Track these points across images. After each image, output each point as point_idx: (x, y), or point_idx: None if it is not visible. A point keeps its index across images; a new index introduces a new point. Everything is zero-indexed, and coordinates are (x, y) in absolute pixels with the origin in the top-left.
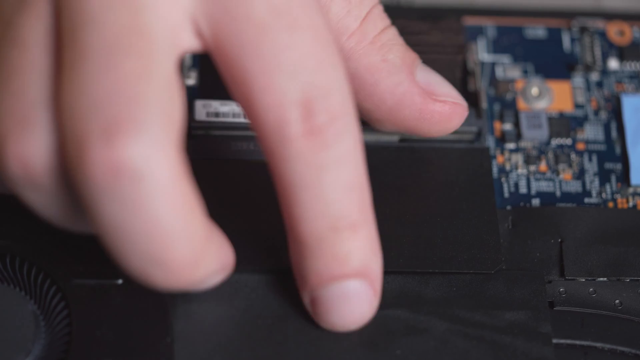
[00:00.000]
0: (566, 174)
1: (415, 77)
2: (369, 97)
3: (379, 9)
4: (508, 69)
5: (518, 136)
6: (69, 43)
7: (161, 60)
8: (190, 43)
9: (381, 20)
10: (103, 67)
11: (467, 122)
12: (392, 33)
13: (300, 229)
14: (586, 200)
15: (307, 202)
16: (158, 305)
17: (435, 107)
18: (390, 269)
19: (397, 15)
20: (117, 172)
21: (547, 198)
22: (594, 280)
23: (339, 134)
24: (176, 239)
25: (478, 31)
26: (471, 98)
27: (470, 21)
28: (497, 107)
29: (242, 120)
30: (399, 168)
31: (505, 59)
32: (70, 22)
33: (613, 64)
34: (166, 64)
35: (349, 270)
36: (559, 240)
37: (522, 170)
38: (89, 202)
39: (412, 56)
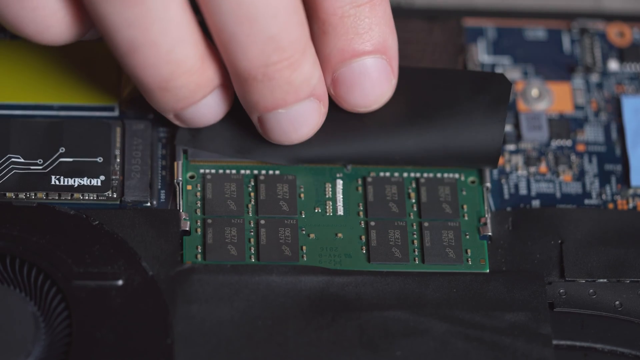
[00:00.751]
0: (566, 176)
1: None
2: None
3: None
4: (508, 70)
5: (518, 137)
6: None
7: None
8: None
9: None
10: None
11: None
12: None
13: (324, 6)
14: (586, 201)
15: None
16: (158, 307)
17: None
18: (393, 161)
19: (398, 15)
20: None
21: (547, 199)
22: (594, 281)
23: None
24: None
25: (478, 32)
26: None
27: (470, 22)
28: None
29: None
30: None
31: (505, 60)
32: None
33: (613, 65)
34: None
35: (369, 46)
36: (559, 241)
37: (522, 172)
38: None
39: None
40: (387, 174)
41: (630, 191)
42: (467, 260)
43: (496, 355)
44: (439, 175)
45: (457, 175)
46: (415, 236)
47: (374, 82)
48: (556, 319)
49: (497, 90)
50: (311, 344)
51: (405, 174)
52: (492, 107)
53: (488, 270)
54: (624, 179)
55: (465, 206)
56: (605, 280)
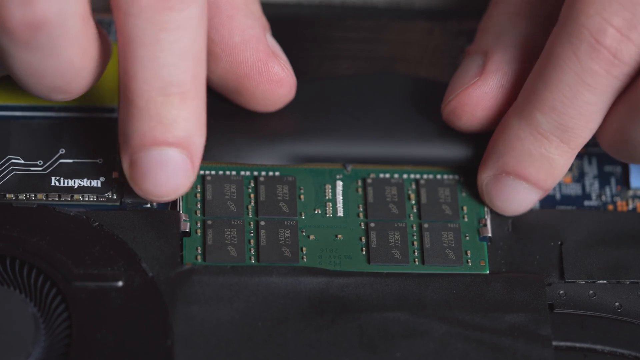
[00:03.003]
0: (566, 177)
1: (265, 36)
2: (220, 26)
3: None
4: None
5: None
6: None
7: None
8: None
9: None
10: None
11: None
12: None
13: (132, 86)
14: (586, 203)
15: (143, 59)
16: (158, 308)
17: (274, 65)
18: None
19: (397, 17)
20: (34, 27)
21: (547, 201)
22: (594, 282)
23: (185, 0)
24: (81, 74)
25: None
26: None
27: (470, 24)
28: None
29: None
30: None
31: None
32: None
33: None
34: None
35: (171, 137)
36: (559, 243)
37: None
38: (6, 50)
39: (266, 22)
40: (387, 175)
41: (630, 192)
42: (467, 262)
43: (496, 357)
44: (438, 176)
45: (457, 177)
46: (415, 237)
47: (169, 174)
48: (556, 320)
49: None
50: (311, 345)
51: (405, 175)
52: None
53: (488, 272)
54: (624, 180)
55: (465, 207)
56: (605, 281)
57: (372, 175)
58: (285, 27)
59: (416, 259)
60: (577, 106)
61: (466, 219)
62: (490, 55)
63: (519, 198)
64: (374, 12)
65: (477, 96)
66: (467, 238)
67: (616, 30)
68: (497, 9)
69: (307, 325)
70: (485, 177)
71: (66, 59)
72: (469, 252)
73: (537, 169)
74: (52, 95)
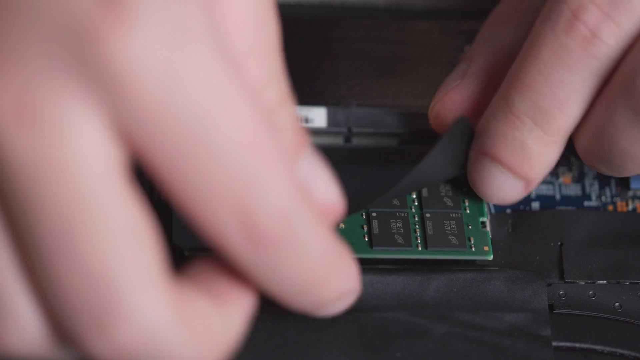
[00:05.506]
0: (566, 178)
1: (297, 166)
2: None
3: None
4: None
5: None
6: (23, 234)
7: (113, 210)
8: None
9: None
10: (64, 254)
11: None
12: (290, 110)
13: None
14: (586, 203)
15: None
16: None
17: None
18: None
19: (397, 17)
20: (126, 354)
21: (546, 201)
22: (594, 283)
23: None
24: None
25: (477, 34)
26: None
27: (470, 24)
28: None
29: None
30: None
31: None
32: (14, 210)
33: None
34: (119, 209)
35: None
36: (559, 243)
37: None
38: None
39: (299, 141)
40: None
41: (630, 193)
42: (471, 247)
43: (496, 357)
44: None
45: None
46: (417, 226)
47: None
48: (556, 320)
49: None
50: (311, 345)
51: None
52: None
53: (492, 257)
54: (624, 181)
55: (466, 201)
56: (604, 281)
57: None
58: (285, 27)
59: (419, 245)
60: (552, 85)
61: (468, 211)
62: (472, 60)
63: (496, 182)
64: (374, 12)
65: (458, 99)
66: (470, 227)
67: (597, 7)
68: (487, 20)
69: (307, 325)
70: (468, 161)
71: None
72: (472, 239)
73: (510, 152)
74: None
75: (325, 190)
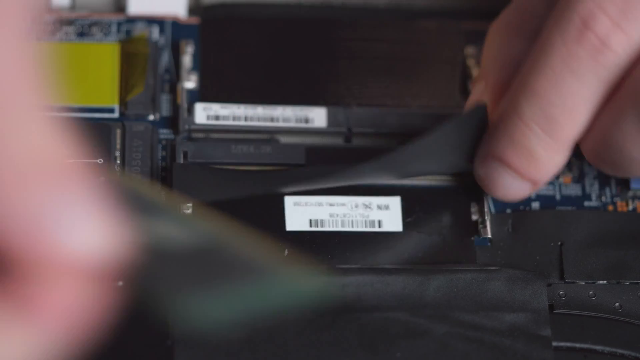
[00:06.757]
0: (566, 178)
1: None
2: None
3: None
4: None
5: None
6: None
7: None
8: None
9: None
10: None
11: None
12: None
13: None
14: (586, 203)
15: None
16: (158, 308)
17: None
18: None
19: (397, 17)
20: None
21: (546, 201)
22: (594, 283)
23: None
24: None
25: (478, 35)
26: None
27: (469, 25)
28: None
29: (242, 123)
30: None
31: None
32: None
33: None
34: None
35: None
36: (559, 243)
37: None
38: None
39: None
40: None
41: (630, 193)
42: None
43: (496, 357)
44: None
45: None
46: None
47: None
48: (556, 320)
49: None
50: (311, 345)
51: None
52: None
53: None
54: (624, 181)
55: None
56: (605, 282)
57: None
58: (285, 27)
59: None
60: (561, 93)
61: None
62: (487, 79)
63: (504, 184)
64: (374, 12)
65: None
66: None
67: (608, 17)
68: (492, 33)
69: (307, 325)
70: (476, 159)
71: None
72: None
73: (518, 157)
74: None
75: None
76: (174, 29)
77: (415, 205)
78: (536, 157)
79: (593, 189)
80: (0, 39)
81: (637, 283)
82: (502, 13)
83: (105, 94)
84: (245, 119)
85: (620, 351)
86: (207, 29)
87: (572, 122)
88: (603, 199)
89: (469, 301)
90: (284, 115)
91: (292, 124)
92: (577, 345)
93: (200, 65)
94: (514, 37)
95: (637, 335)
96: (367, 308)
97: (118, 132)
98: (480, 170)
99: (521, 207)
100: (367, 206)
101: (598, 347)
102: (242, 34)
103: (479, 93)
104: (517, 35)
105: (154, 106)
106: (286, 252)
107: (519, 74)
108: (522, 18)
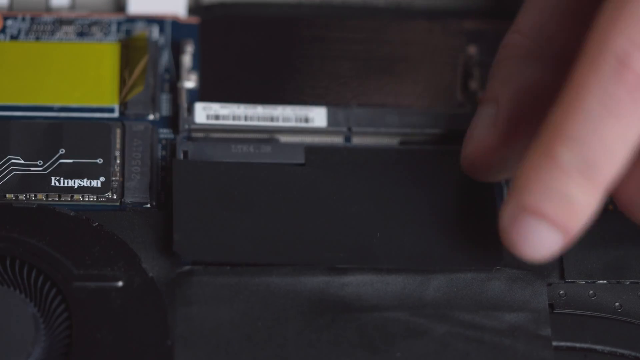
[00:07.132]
0: None
1: None
2: None
3: None
4: None
5: None
6: None
7: None
8: None
9: None
10: None
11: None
12: None
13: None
14: None
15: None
16: (158, 308)
17: None
18: (392, 267)
19: (397, 17)
20: None
21: None
22: (594, 282)
23: None
24: None
25: (478, 34)
26: (471, 100)
27: (470, 24)
28: None
29: (242, 122)
30: (399, 170)
31: None
32: None
33: None
34: None
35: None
36: None
37: None
38: None
39: None
40: None
41: None
42: None
43: (496, 357)
44: None
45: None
46: None
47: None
48: (556, 320)
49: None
50: (311, 345)
51: None
52: None
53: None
54: None
55: None
56: (605, 281)
57: None
58: (285, 27)
59: None
60: (601, 138)
61: None
62: (499, 104)
63: (538, 239)
64: (374, 12)
65: (495, 146)
66: None
67: None
68: (504, 52)
69: (307, 325)
70: (504, 215)
71: None
72: None
73: (556, 206)
74: None
75: None
76: (174, 29)
77: None
78: (576, 204)
79: None
80: None
81: (637, 283)
82: (512, 31)
83: (105, 94)
84: (245, 118)
85: (620, 351)
86: (207, 28)
87: (612, 165)
88: None
89: (469, 301)
90: (284, 115)
91: (292, 124)
92: (577, 344)
93: (200, 65)
94: (529, 61)
95: (637, 335)
96: (366, 308)
97: (118, 131)
98: (511, 228)
99: None
100: None
101: (598, 347)
102: (242, 33)
103: (489, 117)
104: (532, 60)
105: (154, 106)
106: None
107: (549, 116)
108: (538, 42)
